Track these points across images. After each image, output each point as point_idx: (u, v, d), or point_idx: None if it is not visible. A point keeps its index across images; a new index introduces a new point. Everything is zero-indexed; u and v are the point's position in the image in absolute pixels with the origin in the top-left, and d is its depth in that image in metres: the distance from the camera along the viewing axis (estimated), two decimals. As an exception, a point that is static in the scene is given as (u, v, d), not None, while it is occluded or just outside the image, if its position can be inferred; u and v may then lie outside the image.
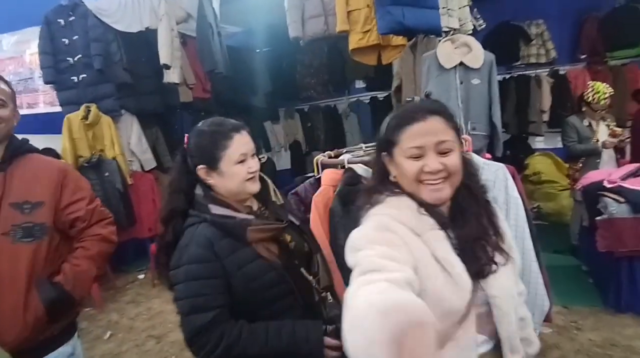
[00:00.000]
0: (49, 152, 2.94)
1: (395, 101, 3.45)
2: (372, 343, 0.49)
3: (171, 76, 3.84)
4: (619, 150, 3.18)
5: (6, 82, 1.27)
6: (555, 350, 2.21)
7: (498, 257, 0.85)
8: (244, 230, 1.03)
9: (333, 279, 1.22)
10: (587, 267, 3.02)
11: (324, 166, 1.80)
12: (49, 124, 3.94)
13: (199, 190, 1.10)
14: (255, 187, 1.12)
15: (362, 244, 0.77)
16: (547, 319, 1.64)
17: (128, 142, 4.06)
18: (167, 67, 3.75)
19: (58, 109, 3.93)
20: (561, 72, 4.60)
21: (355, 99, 5.50)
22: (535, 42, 4.66)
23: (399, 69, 3.32)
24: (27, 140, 1.33)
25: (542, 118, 4.61)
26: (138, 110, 4.10)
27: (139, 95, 4.05)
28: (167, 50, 3.68)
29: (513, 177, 1.57)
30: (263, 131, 5.77)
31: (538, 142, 4.88)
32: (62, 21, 3.73)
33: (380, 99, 5.20)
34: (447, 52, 2.57)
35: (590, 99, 3.11)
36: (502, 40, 4.47)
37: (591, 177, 2.78)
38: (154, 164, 4.29)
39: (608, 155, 3.12)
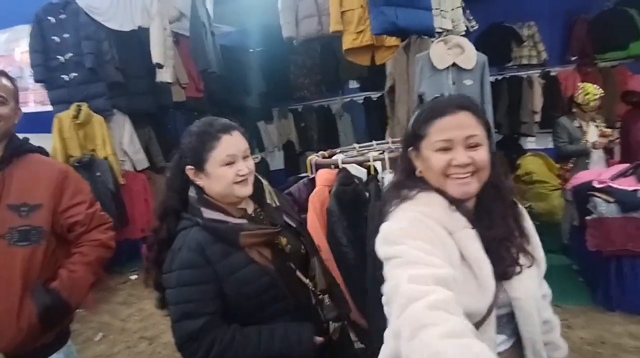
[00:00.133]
0: (39, 151, 2.90)
1: (389, 101, 3.46)
2: None
3: (164, 75, 3.82)
4: (608, 151, 3.22)
5: (9, 78, 1.22)
6: (547, 348, 2.23)
7: (522, 259, 0.84)
8: (237, 235, 1.02)
9: (331, 280, 1.22)
10: (577, 266, 3.06)
11: (318, 166, 1.81)
12: (39, 123, 3.88)
13: (192, 193, 1.09)
14: (244, 190, 1.07)
15: (399, 237, 0.76)
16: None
17: (120, 142, 4.02)
18: (160, 66, 3.73)
19: (49, 107, 3.87)
20: (552, 74, 4.66)
21: (349, 99, 5.51)
22: (527, 43, 4.71)
23: (392, 69, 3.33)
24: (28, 139, 1.29)
25: (534, 119, 4.66)
26: (130, 110, 4.06)
27: (132, 95, 4.01)
28: (159, 49, 3.66)
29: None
30: (256, 131, 5.76)
31: (530, 143, 4.93)
32: (52, 19, 3.68)
33: (374, 99, 5.22)
34: (440, 53, 2.59)
35: (580, 100, 3.15)
36: (494, 42, 4.51)
37: (581, 177, 2.82)
38: (146, 164, 4.26)
39: (598, 155, 3.16)
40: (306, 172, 1.95)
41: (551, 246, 3.38)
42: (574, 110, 3.24)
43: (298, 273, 1.11)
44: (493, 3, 4.59)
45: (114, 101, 3.88)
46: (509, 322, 0.84)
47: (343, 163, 1.70)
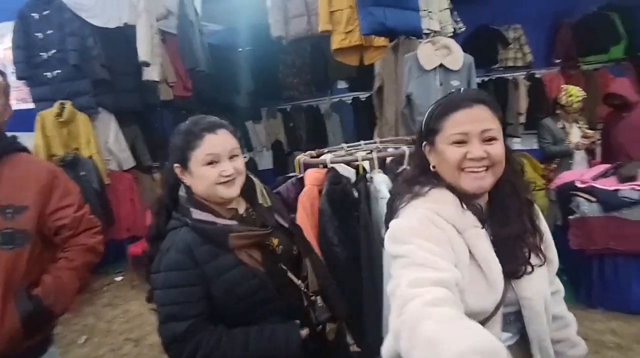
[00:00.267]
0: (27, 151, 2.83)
1: (377, 102, 3.48)
2: None
3: (151, 74, 3.76)
4: (590, 152, 3.30)
5: (0, 73, 1.18)
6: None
7: (534, 258, 0.83)
8: (225, 237, 1.01)
9: (326, 280, 1.21)
10: (561, 265, 3.11)
11: (306, 166, 1.80)
12: (21, 121, 3.78)
13: (182, 192, 1.08)
14: (229, 192, 1.03)
15: (408, 236, 0.76)
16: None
17: (106, 141, 3.96)
18: (146, 64, 3.67)
19: (31, 105, 3.78)
20: (537, 76, 4.75)
21: (338, 99, 5.52)
22: (513, 46, 4.79)
23: (381, 69, 3.35)
24: (16, 138, 1.23)
25: (519, 120, 4.74)
26: (117, 108, 4.00)
27: (118, 93, 3.95)
28: (146, 47, 3.60)
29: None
30: (245, 131, 5.72)
31: (515, 144, 5.00)
32: (36, 15, 3.59)
33: (362, 99, 5.24)
34: (427, 54, 2.61)
35: (563, 101, 3.21)
36: (480, 44, 4.58)
37: (564, 177, 2.87)
38: (132, 163, 4.20)
39: (580, 156, 3.23)
40: (294, 171, 1.94)
41: (535, 245, 3.45)
42: (558, 111, 3.30)
43: (289, 274, 1.10)
44: (480, 5, 4.65)
45: (99, 99, 3.81)
46: (515, 320, 0.83)
47: (331, 162, 1.70)
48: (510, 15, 4.81)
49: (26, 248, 1.14)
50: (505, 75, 4.81)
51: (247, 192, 1.13)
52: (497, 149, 0.80)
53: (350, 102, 5.41)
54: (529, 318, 0.81)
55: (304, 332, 1.07)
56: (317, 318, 1.12)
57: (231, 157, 1.05)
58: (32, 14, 3.59)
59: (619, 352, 2.14)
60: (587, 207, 2.52)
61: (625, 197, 2.44)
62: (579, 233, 2.54)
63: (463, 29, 4.14)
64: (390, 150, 1.83)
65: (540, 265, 0.83)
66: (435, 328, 0.56)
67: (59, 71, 3.62)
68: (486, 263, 0.78)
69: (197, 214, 1.03)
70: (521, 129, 4.80)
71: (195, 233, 1.01)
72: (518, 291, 0.81)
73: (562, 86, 3.41)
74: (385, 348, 0.78)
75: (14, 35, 3.58)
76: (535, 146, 3.76)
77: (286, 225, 1.16)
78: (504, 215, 0.83)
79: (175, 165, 1.06)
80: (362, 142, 2.31)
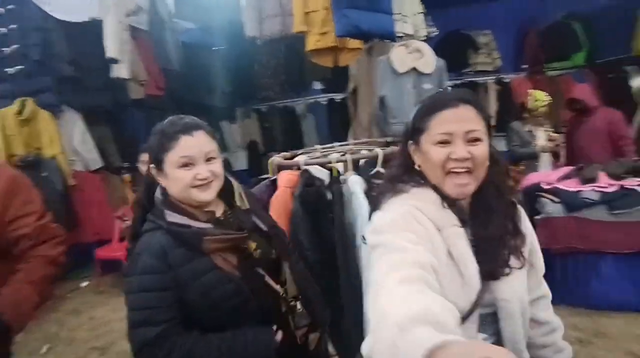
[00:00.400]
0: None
1: (351, 103, 3.51)
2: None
3: (120, 71, 3.63)
4: (555, 154, 3.44)
5: None
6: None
7: (513, 261, 0.83)
8: (200, 240, 0.98)
9: (307, 286, 1.19)
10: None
11: (280, 168, 1.79)
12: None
13: (158, 193, 1.05)
14: (204, 195, 1.01)
15: (389, 228, 0.76)
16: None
17: (71, 140, 3.79)
18: (115, 61, 3.55)
19: (-11, 102, 3.59)
20: (505, 80, 4.91)
21: (313, 100, 5.52)
22: (483, 50, 4.94)
23: (355, 72, 3.38)
24: None
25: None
26: (84, 106, 3.85)
27: (85, 91, 3.79)
28: (114, 43, 3.47)
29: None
30: (219, 131, 5.63)
31: (485, 146, 5.16)
32: (1, 9, 3.44)
33: (337, 100, 5.26)
34: (400, 57, 2.65)
35: (530, 106, 3.33)
36: (452, 48, 4.68)
37: (531, 178, 2.98)
38: (100, 164, 4.04)
39: (546, 158, 3.37)
40: (269, 173, 1.92)
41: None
42: (525, 115, 3.42)
43: (267, 279, 1.07)
44: (451, 11, 4.77)
45: (65, 97, 3.67)
46: (492, 322, 0.84)
47: (305, 164, 1.69)
48: (480, 21, 4.96)
49: None
50: (475, 79, 4.94)
51: (226, 194, 1.11)
52: (481, 150, 0.80)
53: (325, 103, 5.41)
54: (503, 320, 0.82)
55: (279, 336, 1.06)
56: (297, 324, 1.10)
57: (208, 160, 1.02)
58: (-4, 9, 3.42)
59: (580, 345, 2.23)
60: (552, 208, 2.62)
61: (586, 198, 2.55)
62: (544, 233, 2.64)
63: (436, 33, 4.23)
64: (363, 152, 1.84)
65: (520, 268, 0.84)
66: (387, 300, 0.57)
67: (20, 67, 3.45)
68: (463, 262, 0.79)
69: (171, 217, 1.00)
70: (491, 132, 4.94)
71: (169, 236, 0.99)
72: (495, 292, 0.81)
73: (528, 91, 3.54)
74: (365, 343, 0.78)
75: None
76: (504, 148, 3.88)
77: (265, 228, 1.13)
78: (487, 216, 0.84)
79: (151, 166, 1.04)
80: (335, 144, 2.32)
